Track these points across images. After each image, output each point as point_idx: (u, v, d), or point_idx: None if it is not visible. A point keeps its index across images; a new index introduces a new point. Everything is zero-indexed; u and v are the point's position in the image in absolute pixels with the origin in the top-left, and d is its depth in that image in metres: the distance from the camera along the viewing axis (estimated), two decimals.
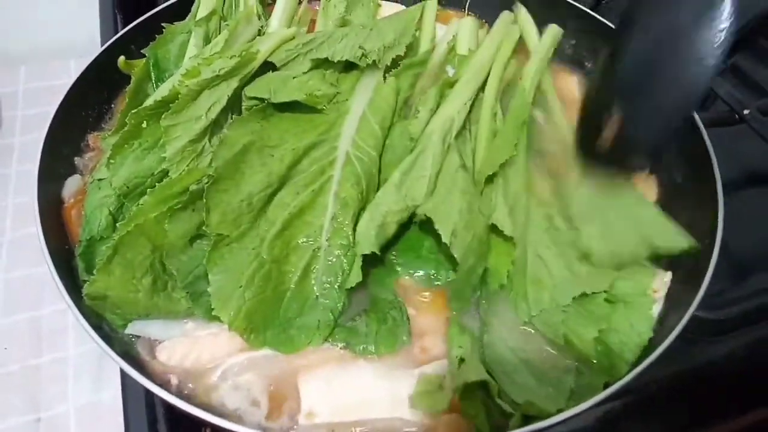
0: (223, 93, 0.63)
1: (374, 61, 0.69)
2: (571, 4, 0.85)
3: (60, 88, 0.69)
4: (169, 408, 0.59)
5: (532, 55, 0.79)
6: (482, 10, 0.91)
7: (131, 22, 0.79)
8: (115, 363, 0.50)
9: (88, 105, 0.74)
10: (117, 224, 0.57)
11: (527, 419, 0.48)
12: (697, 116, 0.68)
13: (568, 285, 0.57)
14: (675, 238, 0.59)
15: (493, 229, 0.60)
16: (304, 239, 0.58)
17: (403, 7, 0.90)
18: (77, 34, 1.08)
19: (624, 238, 0.60)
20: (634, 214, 0.62)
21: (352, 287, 0.56)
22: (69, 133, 0.69)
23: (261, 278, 0.55)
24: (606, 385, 0.50)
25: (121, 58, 0.77)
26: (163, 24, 0.79)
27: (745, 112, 0.83)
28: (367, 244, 0.56)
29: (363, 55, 0.69)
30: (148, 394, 0.59)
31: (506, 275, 0.58)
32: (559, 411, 0.48)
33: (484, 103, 0.71)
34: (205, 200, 0.55)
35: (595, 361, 0.54)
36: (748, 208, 0.80)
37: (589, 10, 0.83)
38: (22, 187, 0.92)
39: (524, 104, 0.71)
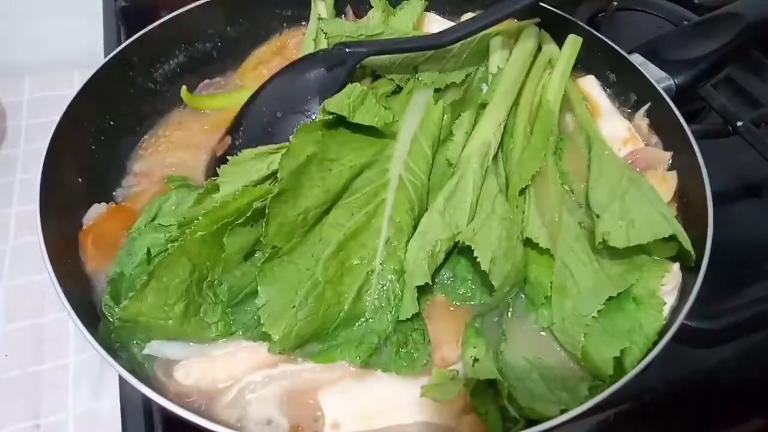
0: None
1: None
2: (569, 18, 0.86)
3: (64, 99, 0.69)
4: (167, 417, 0.59)
5: (555, 67, 0.79)
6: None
7: (134, 34, 0.79)
8: (123, 377, 0.49)
9: (92, 115, 0.74)
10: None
11: (531, 423, 0.48)
12: (688, 128, 0.69)
13: (593, 295, 0.56)
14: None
15: (529, 242, 0.59)
16: (358, 261, 0.58)
17: (448, 22, 0.90)
18: (81, 45, 1.08)
19: (639, 217, 0.58)
20: (649, 198, 0.61)
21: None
22: (72, 142, 0.70)
23: (314, 299, 0.54)
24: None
25: (184, 88, 0.79)
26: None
27: (739, 123, 0.83)
28: (421, 276, 0.55)
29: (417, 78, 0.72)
30: (147, 402, 0.60)
31: (550, 287, 0.57)
32: (563, 411, 0.47)
33: (517, 124, 0.71)
34: (267, 210, 0.54)
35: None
36: (741, 218, 0.81)
37: (584, 25, 0.85)
38: (25, 196, 0.92)
39: (549, 115, 0.71)
